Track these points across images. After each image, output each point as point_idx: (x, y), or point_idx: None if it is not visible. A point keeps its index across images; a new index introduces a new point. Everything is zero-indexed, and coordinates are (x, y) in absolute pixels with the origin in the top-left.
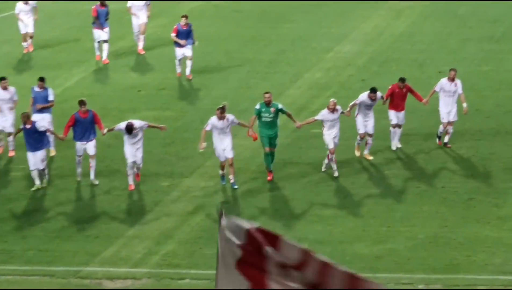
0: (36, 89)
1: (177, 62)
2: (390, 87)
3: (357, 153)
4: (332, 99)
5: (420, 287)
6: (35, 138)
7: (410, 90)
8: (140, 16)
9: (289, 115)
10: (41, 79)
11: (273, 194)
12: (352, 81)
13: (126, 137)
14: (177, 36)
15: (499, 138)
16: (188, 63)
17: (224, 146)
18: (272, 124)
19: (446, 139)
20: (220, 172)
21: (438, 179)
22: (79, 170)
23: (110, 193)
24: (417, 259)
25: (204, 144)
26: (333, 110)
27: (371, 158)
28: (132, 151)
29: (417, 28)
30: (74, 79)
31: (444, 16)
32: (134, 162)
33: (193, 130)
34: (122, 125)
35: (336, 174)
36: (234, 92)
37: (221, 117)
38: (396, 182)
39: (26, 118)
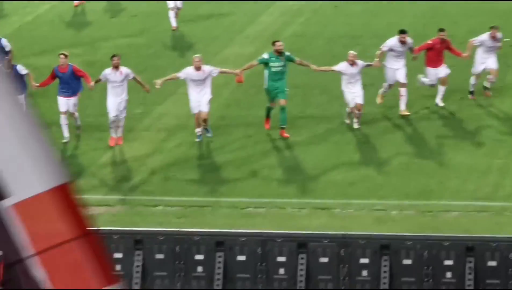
0: None
1: (171, 13)
2: (430, 41)
3: (379, 100)
4: (351, 51)
5: (393, 213)
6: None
7: (448, 47)
8: None
9: (300, 63)
10: None
11: (246, 120)
12: (324, 7)
13: (110, 87)
14: None
15: (471, 62)
16: (177, 12)
17: (199, 98)
18: (282, 74)
19: (487, 84)
20: (196, 129)
21: (412, 105)
22: (64, 129)
23: (83, 120)
24: (390, 186)
25: (160, 82)
26: (352, 63)
27: (407, 113)
28: (115, 104)
29: None
30: (45, 6)
31: None
32: (117, 116)
33: (166, 57)
34: (106, 70)
35: (356, 125)
36: (206, 19)
37: (198, 68)
38: (368, 109)
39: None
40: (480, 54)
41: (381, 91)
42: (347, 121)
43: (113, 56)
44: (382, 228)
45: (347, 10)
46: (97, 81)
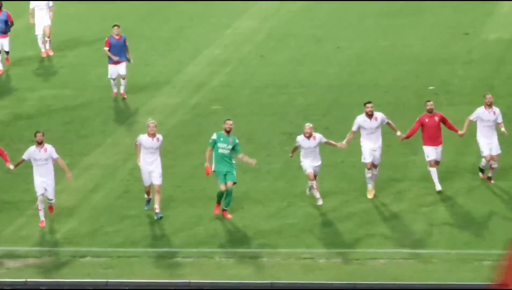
0: None
1: (112, 82)
2: (417, 119)
3: (370, 196)
4: (307, 124)
5: (321, 261)
6: None
7: (443, 120)
8: (43, 18)
9: (241, 158)
10: None
11: (173, 171)
12: (250, 57)
13: (35, 165)
14: (109, 50)
15: (396, 111)
16: (122, 82)
17: (151, 169)
18: (229, 158)
19: (490, 173)
20: (146, 196)
21: (338, 154)
22: None
23: (10, 172)
24: (317, 234)
25: (140, 161)
26: (309, 136)
27: (371, 197)
28: (42, 183)
29: (314, 3)
30: None
31: None
32: (43, 195)
33: (92, 108)
34: (30, 149)
35: (319, 202)
36: (132, 69)
37: (153, 134)
38: (295, 157)
39: None
40: (481, 133)
41: (368, 183)
42: (308, 193)
43: (37, 132)
44: (310, 276)
45: (273, 59)
46: (19, 163)
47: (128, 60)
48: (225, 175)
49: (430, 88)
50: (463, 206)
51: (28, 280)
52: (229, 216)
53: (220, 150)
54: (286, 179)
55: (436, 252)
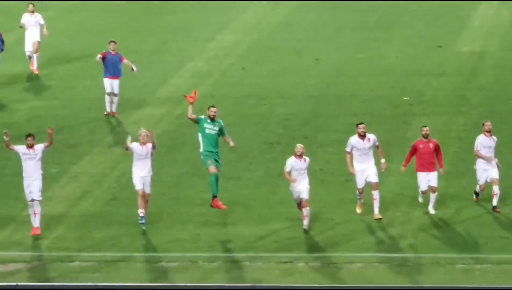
0: None
1: (107, 98)
2: (412, 145)
3: (359, 210)
4: (299, 144)
5: (300, 265)
6: None
7: (437, 149)
8: (33, 35)
9: (227, 140)
10: None
11: (158, 178)
12: (232, 69)
13: (23, 160)
14: (103, 60)
15: (372, 121)
16: (115, 100)
17: (143, 175)
18: (216, 141)
19: (494, 202)
20: (139, 211)
21: (316, 162)
22: None
23: (1, 180)
24: (296, 239)
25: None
26: (300, 157)
27: (380, 217)
28: (29, 187)
29: (293, 17)
30: None
31: (319, 5)
32: (33, 200)
33: (81, 118)
34: (22, 146)
35: (306, 227)
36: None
37: (143, 143)
38: (276, 165)
39: None
40: (481, 160)
41: (358, 199)
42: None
43: (28, 136)
44: (289, 279)
45: (254, 72)
46: (7, 144)
47: (132, 69)
48: (212, 159)
49: (405, 98)
50: (435, 212)
51: (18, 284)
52: (223, 207)
53: (207, 130)
54: (267, 186)
55: (410, 256)
